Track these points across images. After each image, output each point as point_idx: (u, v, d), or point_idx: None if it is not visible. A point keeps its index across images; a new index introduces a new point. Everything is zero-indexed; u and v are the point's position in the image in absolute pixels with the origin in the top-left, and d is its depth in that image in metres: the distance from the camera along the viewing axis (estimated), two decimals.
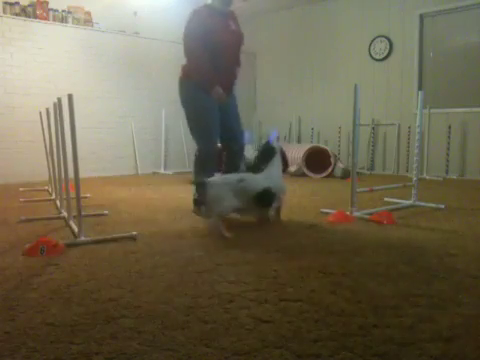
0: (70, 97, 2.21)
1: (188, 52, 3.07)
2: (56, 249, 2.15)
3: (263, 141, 7.63)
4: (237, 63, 3.31)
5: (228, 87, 3.24)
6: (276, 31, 7.56)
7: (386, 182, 4.52)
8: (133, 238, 2.41)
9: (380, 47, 6.32)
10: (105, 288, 1.65)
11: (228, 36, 3.12)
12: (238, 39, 3.24)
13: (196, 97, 3.10)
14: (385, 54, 6.27)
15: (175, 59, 6.74)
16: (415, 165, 3.49)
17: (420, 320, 1.35)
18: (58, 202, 3.35)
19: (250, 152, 6.43)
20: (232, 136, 3.22)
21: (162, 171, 6.54)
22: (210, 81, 3.06)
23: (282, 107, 7.53)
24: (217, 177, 2.74)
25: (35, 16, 5.32)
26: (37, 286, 1.68)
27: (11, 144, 5.18)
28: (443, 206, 3.35)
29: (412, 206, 3.42)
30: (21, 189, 4.52)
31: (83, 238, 2.33)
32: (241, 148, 3.30)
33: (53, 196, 3.80)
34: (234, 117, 3.28)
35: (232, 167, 3.25)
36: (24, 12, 5.26)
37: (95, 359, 1.14)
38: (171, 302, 1.51)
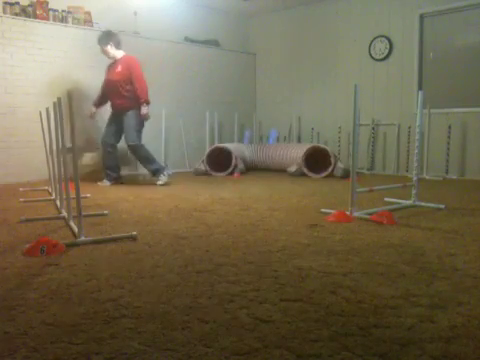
0: (70, 97, 2.21)
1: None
2: (56, 249, 2.15)
3: (263, 140, 7.65)
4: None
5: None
6: (276, 31, 7.56)
7: (386, 182, 4.52)
8: (133, 238, 2.41)
9: (380, 47, 6.32)
10: (105, 288, 1.65)
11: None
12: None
13: None
14: (385, 54, 6.27)
15: (175, 59, 6.77)
16: (415, 165, 3.49)
17: (420, 320, 1.35)
18: (58, 202, 3.35)
19: (249, 150, 6.44)
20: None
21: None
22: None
23: (282, 107, 7.54)
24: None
25: (35, 16, 5.31)
26: (37, 286, 1.68)
27: (11, 144, 5.18)
28: (443, 206, 3.35)
29: (412, 206, 3.42)
30: (21, 189, 4.51)
31: (83, 238, 2.33)
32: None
33: (53, 196, 3.80)
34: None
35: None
36: (24, 12, 5.25)
37: (95, 359, 1.14)
38: (171, 302, 1.51)
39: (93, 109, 5.04)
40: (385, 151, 6.41)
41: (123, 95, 4.86)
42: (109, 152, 5.02)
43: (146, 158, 5.01)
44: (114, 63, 4.94)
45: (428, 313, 1.40)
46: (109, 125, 5.05)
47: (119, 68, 4.86)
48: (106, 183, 5.01)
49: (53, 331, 1.29)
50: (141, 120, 4.93)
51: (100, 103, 5.09)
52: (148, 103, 4.87)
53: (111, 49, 4.86)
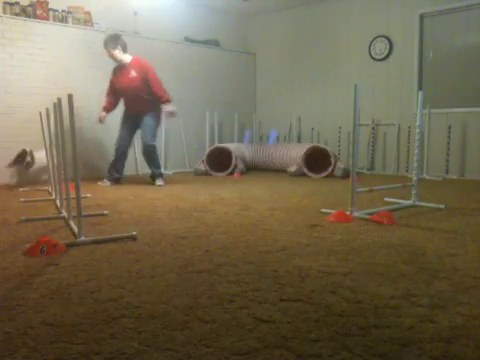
0: (70, 97, 2.21)
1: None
2: (56, 249, 2.15)
3: (263, 140, 7.65)
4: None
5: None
6: (276, 31, 7.56)
7: (386, 182, 4.52)
8: (133, 238, 2.41)
9: (380, 47, 6.32)
10: (105, 288, 1.65)
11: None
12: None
13: None
14: (385, 54, 6.27)
15: (175, 59, 6.77)
16: (415, 165, 3.49)
17: (420, 320, 1.35)
18: (58, 202, 3.35)
19: (249, 150, 6.45)
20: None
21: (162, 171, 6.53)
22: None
23: (282, 107, 7.54)
24: None
25: (35, 16, 5.31)
26: (37, 286, 1.68)
27: (11, 144, 5.17)
28: (443, 206, 3.35)
29: (412, 206, 3.42)
30: (21, 189, 4.51)
31: (83, 238, 2.33)
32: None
33: (53, 196, 3.80)
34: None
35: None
36: (24, 12, 5.26)
37: (95, 359, 1.14)
38: (171, 302, 1.51)
39: (103, 114, 4.96)
40: (385, 151, 6.42)
41: (144, 99, 4.85)
42: (122, 156, 5.04)
43: (155, 160, 5.05)
44: (124, 67, 4.87)
45: (428, 313, 1.40)
46: (124, 129, 5.01)
47: (133, 73, 4.82)
48: (106, 183, 5.01)
49: (53, 331, 1.29)
50: (160, 121, 4.99)
51: (110, 108, 5.01)
52: (170, 101, 4.88)
53: (119, 53, 4.82)
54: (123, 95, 4.94)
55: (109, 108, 5.01)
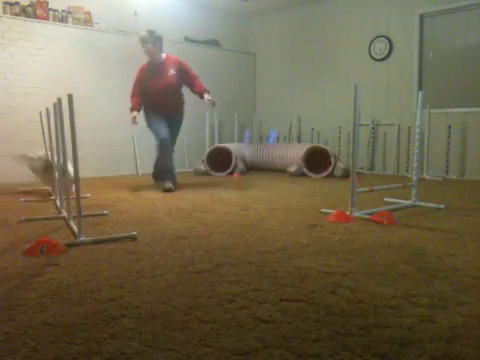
0: (70, 97, 2.21)
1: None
2: (56, 249, 2.15)
3: (263, 140, 7.65)
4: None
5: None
6: (276, 31, 7.56)
7: (386, 182, 4.52)
8: (133, 238, 2.41)
9: (380, 47, 6.32)
10: (105, 288, 1.65)
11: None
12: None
13: None
14: (385, 54, 6.28)
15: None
16: (415, 165, 3.49)
17: (420, 320, 1.35)
18: (58, 202, 3.35)
19: (249, 150, 6.46)
20: None
21: None
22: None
23: (282, 107, 7.54)
24: None
25: (35, 16, 5.32)
26: (37, 286, 1.68)
27: (11, 144, 5.18)
28: (443, 206, 3.35)
29: (412, 206, 3.42)
30: (21, 189, 4.51)
31: (83, 238, 2.33)
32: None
33: (53, 196, 3.80)
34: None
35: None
36: (24, 12, 5.26)
37: (95, 359, 1.14)
38: (171, 302, 1.51)
39: (135, 113, 4.62)
40: (385, 151, 6.41)
41: (179, 96, 4.80)
42: (170, 149, 4.73)
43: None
44: (160, 66, 4.64)
45: (428, 313, 1.40)
46: (162, 121, 4.68)
47: (172, 71, 4.65)
48: (170, 185, 4.48)
49: (53, 331, 1.29)
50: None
51: (139, 109, 4.71)
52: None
53: (158, 51, 4.60)
54: (158, 94, 4.65)
55: (138, 109, 4.72)
